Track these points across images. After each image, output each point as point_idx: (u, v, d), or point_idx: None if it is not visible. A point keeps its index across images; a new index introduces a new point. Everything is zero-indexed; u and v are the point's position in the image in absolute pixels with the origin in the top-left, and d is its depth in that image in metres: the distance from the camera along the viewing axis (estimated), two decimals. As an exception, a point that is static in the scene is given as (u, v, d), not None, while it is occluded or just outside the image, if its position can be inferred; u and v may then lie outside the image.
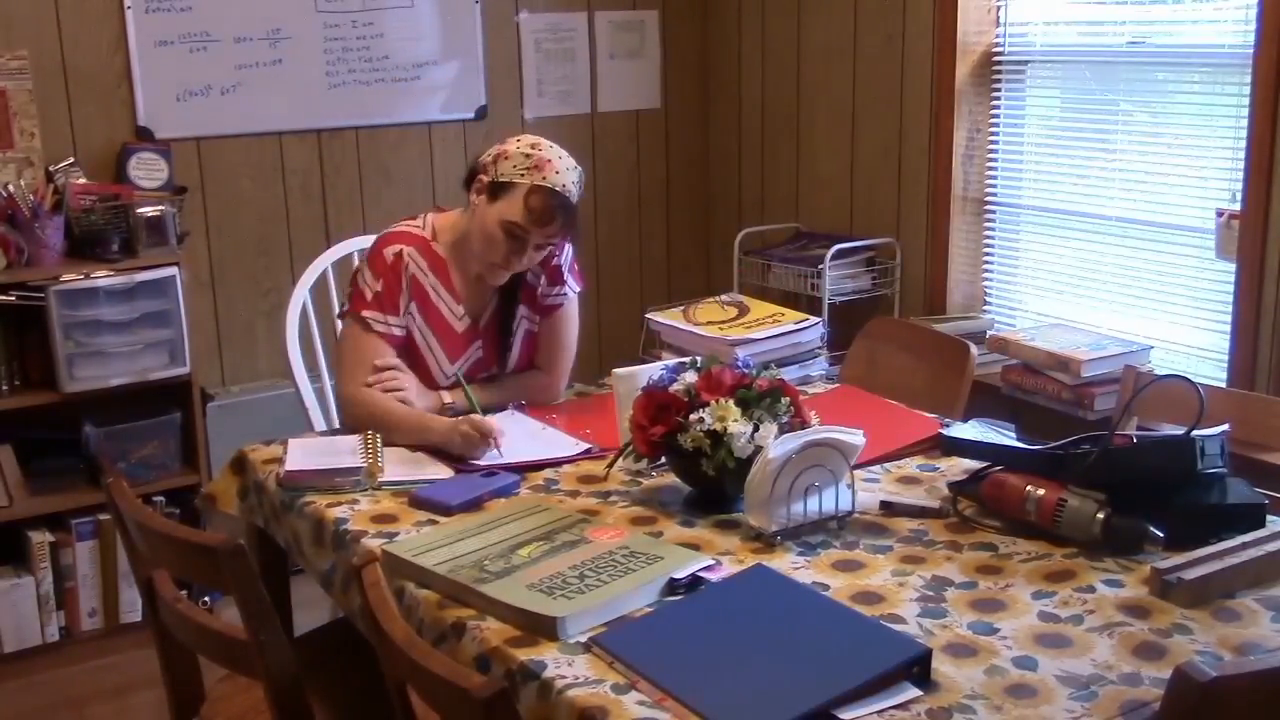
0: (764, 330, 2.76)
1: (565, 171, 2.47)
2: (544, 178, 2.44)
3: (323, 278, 3.07)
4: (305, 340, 3.02)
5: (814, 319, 2.84)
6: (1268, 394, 2.95)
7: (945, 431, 2.31)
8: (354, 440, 2.38)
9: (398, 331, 2.54)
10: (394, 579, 1.83)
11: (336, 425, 2.98)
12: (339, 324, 2.68)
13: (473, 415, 2.42)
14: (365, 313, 2.51)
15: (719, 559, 1.91)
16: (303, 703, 1.82)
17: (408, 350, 2.57)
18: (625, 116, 4.48)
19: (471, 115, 4.19)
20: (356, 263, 2.77)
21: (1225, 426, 2.04)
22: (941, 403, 2.70)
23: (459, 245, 2.59)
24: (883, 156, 3.96)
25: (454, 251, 2.59)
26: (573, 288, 2.69)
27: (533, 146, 2.49)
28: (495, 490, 2.18)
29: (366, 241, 3.24)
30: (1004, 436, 2.32)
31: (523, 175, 2.45)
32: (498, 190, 2.48)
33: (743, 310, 2.89)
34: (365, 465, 2.25)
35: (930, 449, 2.35)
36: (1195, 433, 1.94)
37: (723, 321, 2.83)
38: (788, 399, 2.11)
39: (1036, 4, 3.57)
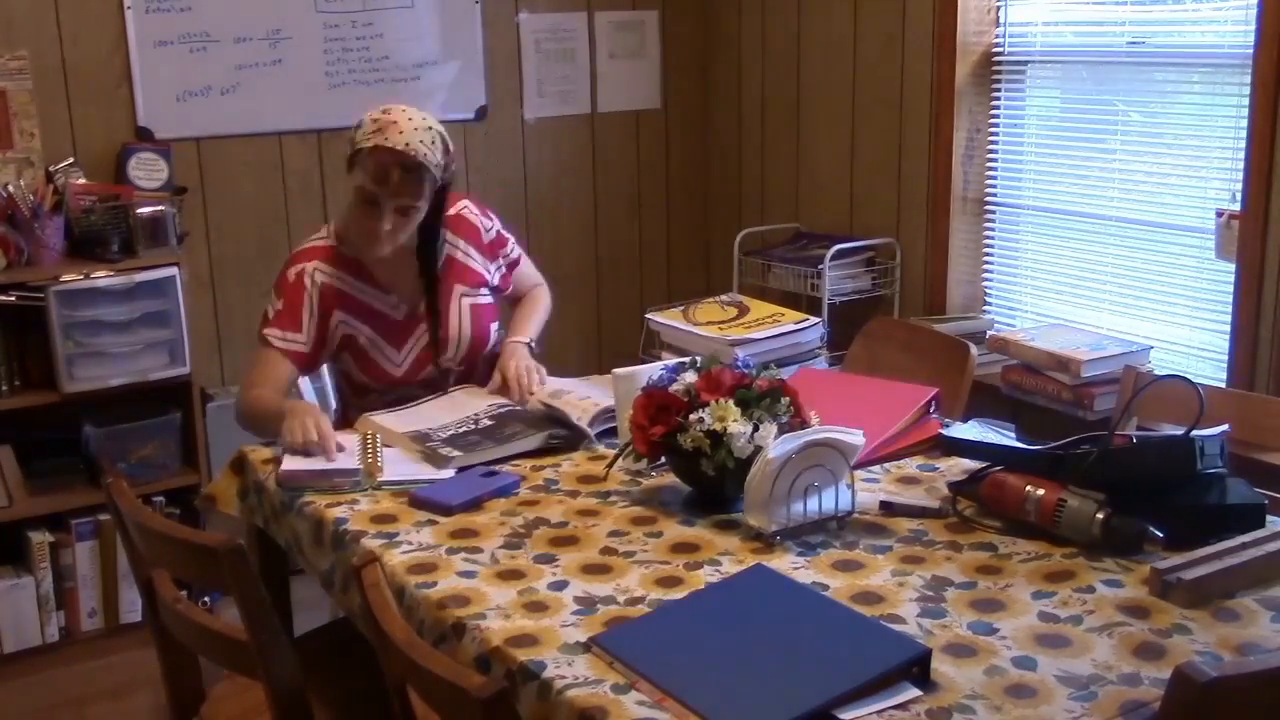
0: (764, 330, 2.76)
1: (410, 131, 2.48)
2: (385, 138, 2.47)
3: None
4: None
5: (814, 319, 2.84)
6: (1267, 394, 2.95)
7: (945, 431, 2.31)
8: (354, 440, 2.38)
9: (299, 347, 2.58)
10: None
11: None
12: None
13: (301, 405, 2.45)
14: (265, 330, 2.58)
15: (718, 557, 1.91)
16: (303, 703, 1.82)
17: (351, 358, 2.63)
18: (625, 116, 4.48)
19: (471, 115, 4.19)
20: None
21: (1225, 426, 2.04)
22: (941, 403, 2.70)
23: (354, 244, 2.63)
24: (883, 156, 3.96)
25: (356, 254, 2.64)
26: (515, 247, 2.84)
27: (383, 112, 2.52)
28: (495, 490, 2.18)
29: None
30: (1004, 436, 2.33)
31: (368, 139, 2.49)
32: (352, 160, 2.52)
33: (743, 310, 2.89)
34: (362, 466, 2.25)
35: (930, 449, 2.35)
36: (1195, 433, 1.94)
37: (723, 321, 2.83)
38: (787, 399, 2.11)
39: (1036, 4, 3.57)
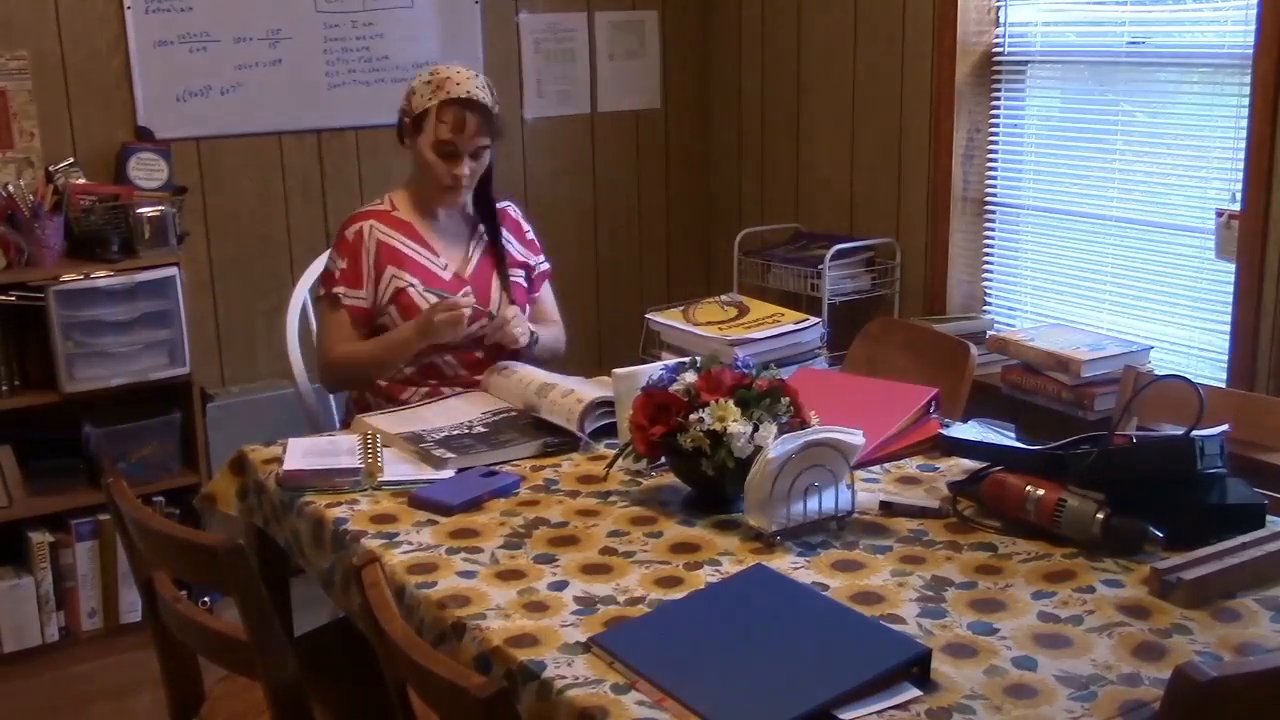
0: (764, 330, 2.76)
1: (466, 80, 2.72)
2: (448, 92, 2.70)
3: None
4: (305, 340, 3.02)
5: (814, 319, 2.84)
6: (1268, 394, 2.95)
7: (945, 431, 2.31)
8: (354, 440, 2.38)
9: (363, 304, 2.75)
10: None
11: (336, 425, 2.99)
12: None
13: (422, 319, 2.65)
14: (334, 289, 2.76)
15: (718, 557, 1.91)
16: (302, 703, 1.82)
17: (398, 311, 2.75)
18: (625, 116, 4.48)
19: (471, 115, 4.18)
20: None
21: (1225, 427, 2.04)
22: (941, 403, 2.70)
23: (418, 206, 2.83)
24: (882, 157, 3.96)
25: (416, 212, 2.82)
26: (547, 262, 3.00)
27: (431, 73, 2.74)
28: (495, 490, 2.18)
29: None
30: (1004, 436, 2.33)
31: (429, 98, 2.71)
32: (418, 123, 2.73)
33: (743, 310, 2.89)
34: (364, 465, 2.25)
35: (930, 449, 2.35)
36: (1195, 433, 1.94)
37: (723, 321, 2.83)
38: (787, 399, 2.11)
39: (1036, 4, 3.57)
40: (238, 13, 3.75)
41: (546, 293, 3.02)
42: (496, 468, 2.29)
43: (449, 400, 2.66)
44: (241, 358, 3.92)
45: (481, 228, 2.88)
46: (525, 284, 2.91)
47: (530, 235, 2.97)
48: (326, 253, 3.11)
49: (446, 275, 2.79)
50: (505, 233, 2.89)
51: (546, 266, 3.00)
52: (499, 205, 2.91)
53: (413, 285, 2.74)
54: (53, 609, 3.45)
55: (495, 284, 2.84)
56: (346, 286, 2.75)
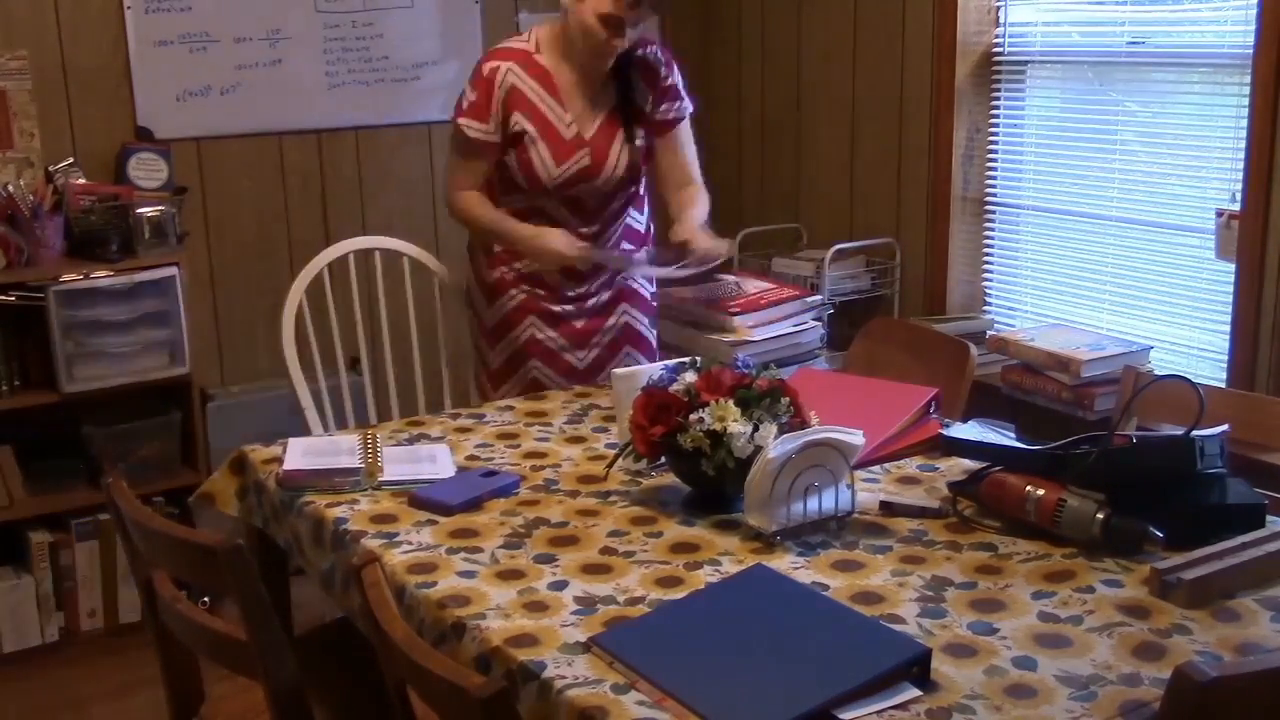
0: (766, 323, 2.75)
1: None
2: None
3: (319, 278, 3.07)
4: (301, 340, 3.01)
5: (817, 297, 2.87)
6: (1268, 394, 2.95)
7: (945, 431, 2.31)
8: (353, 440, 2.38)
9: (488, 138, 2.82)
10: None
11: (334, 425, 2.99)
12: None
13: (546, 231, 2.81)
14: (460, 119, 2.82)
15: (718, 558, 1.91)
16: (302, 703, 1.82)
17: (516, 152, 2.82)
18: (625, 116, 4.47)
19: (471, 115, 4.18)
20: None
21: (1225, 427, 2.04)
22: (941, 403, 2.70)
23: (563, 54, 2.84)
24: (883, 157, 3.96)
25: (558, 63, 2.85)
26: (687, 105, 2.96)
27: None
28: (495, 490, 2.18)
29: (369, 241, 3.26)
30: (1004, 436, 2.33)
31: None
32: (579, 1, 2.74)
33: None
34: (364, 465, 2.25)
35: (930, 449, 2.35)
36: (1195, 433, 1.94)
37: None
38: (787, 399, 2.11)
39: (1036, 4, 3.57)
40: (237, 13, 3.75)
41: (679, 145, 2.96)
42: (496, 468, 2.29)
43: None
44: (241, 358, 3.92)
45: (612, 86, 2.88)
46: (645, 143, 2.92)
47: (670, 81, 2.92)
48: (322, 254, 3.13)
49: (569, 133, 2.82)
50: (641, 86, 2.88)
51: (680, 113, 2.94)
52: (639, 53, 2.88)
53: (531, 133, 2.80)
54: (53, 609, 3.45)
55: (615, 147, 2.86)
56: (472, 119, 2.81)
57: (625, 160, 2.87)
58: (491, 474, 2.24)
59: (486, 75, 2.81)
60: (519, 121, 2.80)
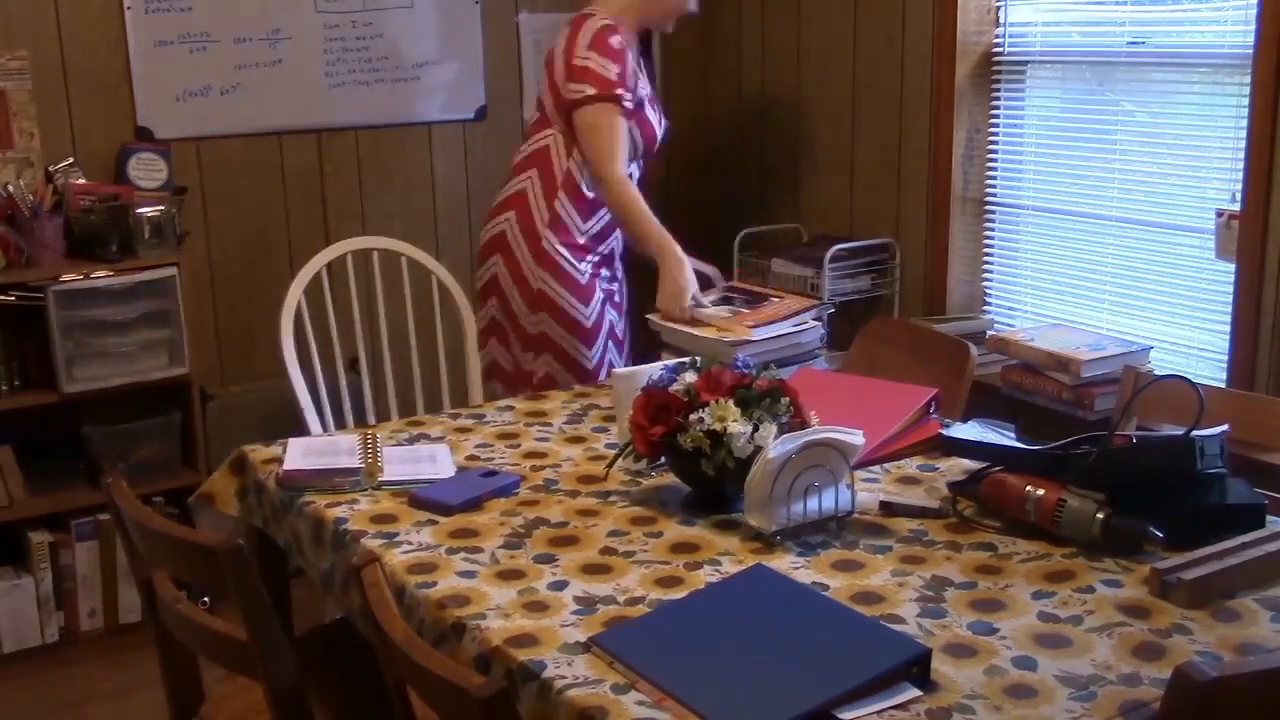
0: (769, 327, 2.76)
1: None
2: None
3: (318, 278, 3.07)
4: (300, 340, 3.01)
5: (819, 302, 2.90)
6: (1268, 394, 2.95)
7: (945, 431, 2.31)
8: (353, 440, 2.38)
9: (636, 108, 2.95)
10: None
11: (334, 425, 2.99)
12: (583, 114, 2.97)
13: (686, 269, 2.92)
14: (617, 90, 2.90)
15: (718, 557, 1.91)
16: (302, 703, 1.82)
17: (640, 112, 3.00)
18: (625, 117, 4.47)
19: (471, 115, 4.19)
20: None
21: (1225, 426, 2.04)
22: (941, 403, 2.70)
23: (641, 18, 3.07)
24: (882, 156, 3.96)
25: (632, 30, 3.06)
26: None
27: None
28: (495, 490, 2.18)
29: (366, 242, 3.26)
30: (1004, 436, 2.32)
31: None
32: None
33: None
34: (364, 465, 2.25)
35: (930, 449, 2.35)
36: (1195, 433, 1.94)
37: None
38: (787, 399, 2.11)
39: (1036, 4, 3.57)
40: (238, 13, 3.75)
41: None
42: (496, 468, 2.29)
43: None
44: (241, 358, 3.92)
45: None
46: None
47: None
48: (320, 254, 3.13)
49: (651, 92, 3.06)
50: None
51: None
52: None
53: (648, 97, 2.99)
54: (52, 609, 3.45)
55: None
56: (627, 89, 2.90)
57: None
58: (491, 474, 2.24)
59: (618, 47, 2.92)
60: (644, 85, 2.99)
